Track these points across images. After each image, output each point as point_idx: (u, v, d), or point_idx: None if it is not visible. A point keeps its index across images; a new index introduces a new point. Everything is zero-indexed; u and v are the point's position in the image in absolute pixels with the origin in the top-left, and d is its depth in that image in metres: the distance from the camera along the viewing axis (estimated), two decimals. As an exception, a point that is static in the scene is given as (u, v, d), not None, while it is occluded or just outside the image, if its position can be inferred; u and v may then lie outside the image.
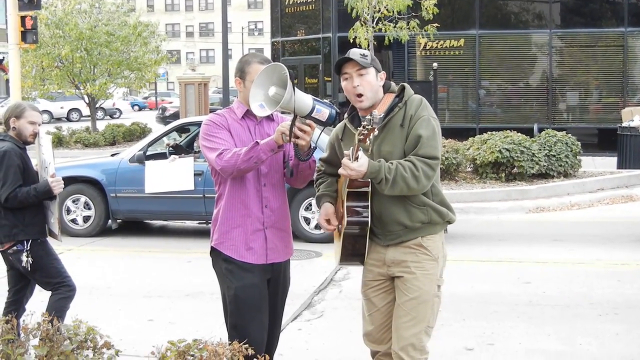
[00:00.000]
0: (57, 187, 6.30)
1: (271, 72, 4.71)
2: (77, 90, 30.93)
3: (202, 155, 5.13)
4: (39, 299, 6.79)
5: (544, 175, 17.36)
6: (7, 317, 4.40)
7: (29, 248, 6.48)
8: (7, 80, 27.97)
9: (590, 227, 13.58)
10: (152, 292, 9.54)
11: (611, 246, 11.83)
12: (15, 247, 6.50)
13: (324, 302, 9.01)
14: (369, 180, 4.72)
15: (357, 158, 4.57)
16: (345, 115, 5.09)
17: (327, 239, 11.69)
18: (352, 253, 4.98)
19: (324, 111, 4.74)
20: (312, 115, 4.70)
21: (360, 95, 4.86)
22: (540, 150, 17.38)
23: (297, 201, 12.21)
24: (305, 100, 4.68)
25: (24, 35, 22.25)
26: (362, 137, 4.44)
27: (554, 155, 17.43)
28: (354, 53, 4.87)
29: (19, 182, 6.41)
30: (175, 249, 12.20)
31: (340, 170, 4.68)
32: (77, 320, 4.37)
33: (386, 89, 4.98)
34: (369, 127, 4.37)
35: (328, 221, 5.05)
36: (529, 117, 25.00)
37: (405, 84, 5.00)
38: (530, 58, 26.58)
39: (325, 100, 4.85)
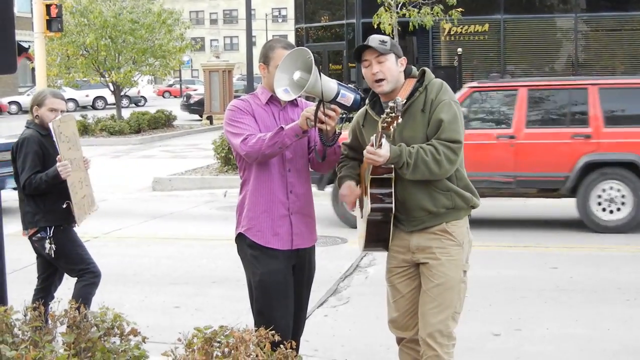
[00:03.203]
0: (64, 171, 6.27)
1: (295, 56, 4.69)
2: (102, 79, 31.05)
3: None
4: (67, 286, 6.82)
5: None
6: (34, 304, 4.42)
7: (51, 235, 6.50)
8: (33, 69, 28.09)
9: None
10: (178, 279, 9.57)
11: (638, 230, 11.74)
12: (38, 234, 6.53)
13: (350, 288, 9.01)
14: (392, 166, 4.70)
15: (380, 145, 4.55)
16: (367, 101, 5.07)
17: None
18: (377, 239, 4.96)
19: (348, 96, 4.72)
20: (337, 100, 4.69)
21: (379, 81, 4.83)
22: (566, 135, 17.24)
23: None
24: (330, 84, 4.66)
25: (49, 24, 22.33)
26: (385, 124, 4.42)
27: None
28: (372, 40, 4.84)
29: (36, 168, 6.42)
30: (201, 235, 12.23)
31: (365, 158, 4.66)
32: (104, 307, 4.38)
33: (407, 74, 4.94)
34: (393, 114, 4.35)
35: (350, 189, 5.03)
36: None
37: (426, 69, 4.97)
38: (555, 42, 26.46)
39: (349, 85, 4.83)
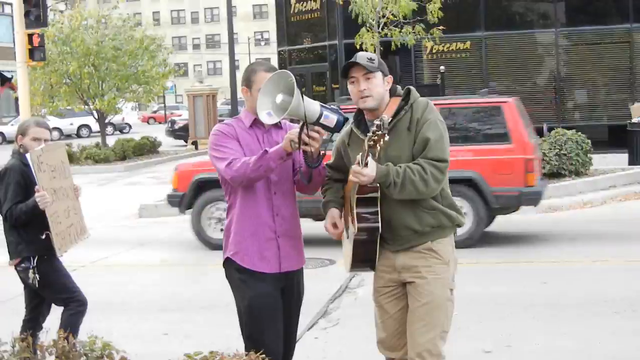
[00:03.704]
0: (42, 202, 6.25)
1: (277, 79, 4.70)
2: (86, 106, 31.00)
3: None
4: (55, 316, 6.78)
5: (555, 175, 17.27)
6: (22, 335, 4.39)
7: (35, 265, 6.49)
8: (17, 98, 28.03)
9: (604, 224, 13.55)
10: (166, 306, 9.54)
11: (626, 243, 11.80)
12: (22, 264, 6.52)
13: (340, 309, 8.99)
14: (378, 185, 4.71)
15: (366, 164, 4.55)
16: (351, 120, 5.07)
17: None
18: (363, 259, 4.96)
19: (331, 117, 4.73)
20: (320, 121, 4.70)
21: (365, 97, 4.84)
22: (550, 149, 17.32)
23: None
24: (313, 106, 4.67)
25: (31, 53, 22.29)
26: (372, 142, 4.42)
27: (565, 154, 17.36)
28: (360, 57, 4.86)
29: (17, 198, 6.41)
30: (188, 261, 12.19)
31: (351, 177, 4.66)
32: (93, 336, 4.35)
33: (392, 93, 4.97)
34: (379, 132, 4.35)
35: (334, 225, 5.03)
36: (538, 117, 24.85)
37: (411, 87, 4.99)
38: (537, 58, 26.54)
39: (332, 107, 4.84)
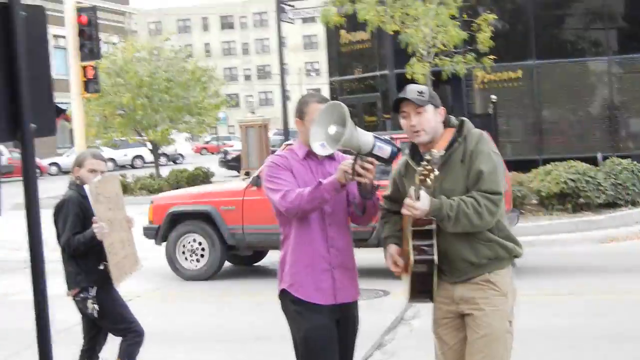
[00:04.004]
0: (100, 232, 6.33)
1: (330, 110, 4.72)
2: (139, 137, 31.28)
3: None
4: (113, 345, 6.84)
5: (611, 205, 17.04)
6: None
7: (94, 295, 6.56)
8: (71, 130, 28.38)
9: (661, 255, 13.35)
10: (222, 336, 9.56)
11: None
12: (81, 294, 6.59)
13: (395, 341, 8.94)
14: (433, 218, 4.69)
15: (418, 197, 4.54)
16: (407, 151, 5.07)
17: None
18: (421, 290, 4.93)
19: (385, 148, 4.73)
20: (374, 152, 4.70)
21: (417, 132, 4.84)
22: (605, 179, 17.10)
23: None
24: (365, 137, 4.68)
25: (86, 85, 22.58)
26: (422, 177, 4.42)
27: (620, 184, 17.15)
28: (410, 91, 4.85)
29: (75, 229, 6.50)
30: (244, 291, 12.22)
31: (403, 210, 4.65)
32: (149, 366, 4.39)
33: (446, 123, 4.95)
34: (429, 167, 4.35)
35: (395, 264, 5.02)
36: (592, 146, 24.64)
37: (464, 119, 4.97)
38: (589, 86, 26.33)
39: (385, 137, 4.84)
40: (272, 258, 14.08)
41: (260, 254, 14.46)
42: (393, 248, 5.04)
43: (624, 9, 26.63)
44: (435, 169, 4.37)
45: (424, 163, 4.38)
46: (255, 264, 14.53)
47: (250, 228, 12.92)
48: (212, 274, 13.17)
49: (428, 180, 4.41)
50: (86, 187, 6.39)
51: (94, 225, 6.33)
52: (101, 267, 6.48)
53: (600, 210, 16.81)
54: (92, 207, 6.34)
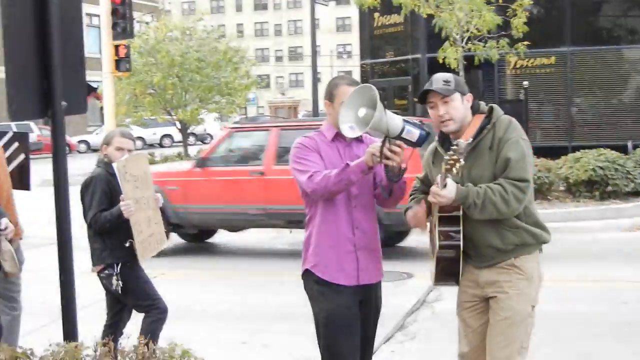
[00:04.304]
0: (127, 211, 6.37)
1: (360, 93, 4.71)
2: (169, 117, 31.39)
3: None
4: (136, 321, 6.89)
5: (639, 193, 16.95)
6: (104, 340, 4.48)
7: (119, 271, 6.61)
8: (101, 108, 28.54)
9: (690, 244, 13.26)
10: (245, 315, 9.61)
11: None
12: (106, 271, 6.65)
13: (417, 323, 8.96)
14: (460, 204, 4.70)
15: (445, 185, 4.55)
16: (436, 138, 5.07)
17: None
18: (447, 274, 4.96)
19: (413, 132, 4.73)
20: (402, 135, 4.69)
21: (446, 121, 4.83)
22: (635, 167, 17.00)
23: None
24: (395, 120, 4.67)
25: (117, 64, 22.72)
26: (448, 166, 4.43)
27: (650, 173, 17.03)
28: (436, 81, 4.85)
29: (102, 206, 6.55)
30: (267, 271, 12.27)
31: (430, 198, 4.67)
32: (172, 343, 4.42)
33: (475, 110, 4.94)
34: (455, 156, 4.36)
35: (415, 214, 5.05)
36: (623, 134, 24.48)
37: (494, 105, 4.96)
38: (623, 74, 26.11)
39: (414, 121, 4.84)
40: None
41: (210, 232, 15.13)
42: (414, 207, 5.07)
43: (662, -4, 26.35)
44: (461, 159, 4.37)
45: (450, 152, 4.39)
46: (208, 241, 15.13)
47: (193, 207, 13.36)
48: None
49: (454, 169, 4.43)
50: (114, 165, 6.43)
51: (121, 204, 6.38)
52: (127, 245, 6.53)
53: (628, 199, 16.71)
54: (120, 185, 6.38)
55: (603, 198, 16.69)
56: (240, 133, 14.14)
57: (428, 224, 5.06)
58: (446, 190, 4.58)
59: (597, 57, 25.74)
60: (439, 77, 4.88)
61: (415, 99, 27.30)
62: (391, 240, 13.42)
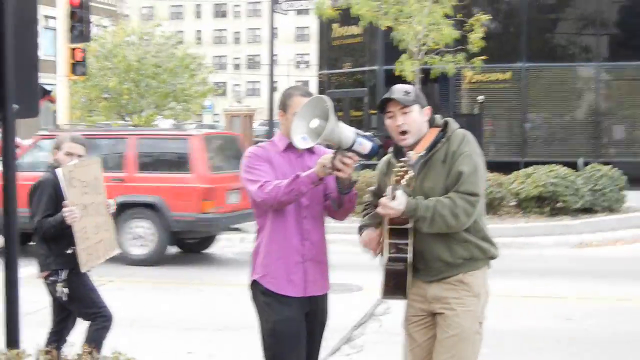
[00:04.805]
0: (70, 217, 6.29)
1: (313, 104, 4.70)
2: (123, 122, 31.22)
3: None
4: (80, 329, 6.81)
5: (588, 210, 17.10)
6: (47, 348, 4.42)
7: (64, 278, 6.53)
8: (55, 112, 28.30)
9: (636, 263, 13.41)
10: (192, 325, 9.54)
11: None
12: (51, 277, 6.58)
13: (364, 336, 8.96)
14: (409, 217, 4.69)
15: (394, 197, 4.55)
16: (390, 150, 5.07)
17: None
18: (395, 288, 4.94)
19: (365, 144, 4.72)
20: (354, 148, 4.69)
21: (404, 133, 4.83)
22: (585, 184, 17.15)
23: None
24: (347, 132, 4.67)
25: (73, 67, 22.52)
26: (398, 177, 4.44)
27: (599, 190, 17.19)
28: (397, 91, 4.85)
29: (47, 212, 6.48)
30: (216, 281, 12.21)
31: (378, 209, 4.66)
32: (116, 352, 4.37)
33: (431, 123, 4.95)
34: (404, 168, 4.37)
35: (368, 237, 5.03)
36: (575, 151, 24.72)
37: (449, 119, 4.97)
38: (577, 91, 26.43)
39: (367, 133, 4.83)
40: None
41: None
42: (369, 230, 5.05)
43: (616, 16, 26.73)
44: (410, 170, 4.37)
45: (400, 164, 4.40)
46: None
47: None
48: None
49: (403, 180, 4.43)
50: (58, 170, 6.35)
51: (64, 210, 6.29)
52: (69, 252, 6.44)
53: (577, 215, 16.86)
54: (64, 191, 6.30)
55: (553, 214, 16.83)
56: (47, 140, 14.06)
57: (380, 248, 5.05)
58: (395, 202, 4.57)
59: (552, 74, 26.02)
60: (400, 88, 4.89)
61: (372, 111, 27.46)
62: (198, 246, 14.63)
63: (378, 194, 5.18)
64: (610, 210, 17.38)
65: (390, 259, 4.79)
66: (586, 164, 19.19)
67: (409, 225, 4.75)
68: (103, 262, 6.81)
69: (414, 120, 4.83)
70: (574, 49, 27.07)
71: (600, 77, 25.82)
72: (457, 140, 4.82)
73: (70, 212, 6.26)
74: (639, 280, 11.92)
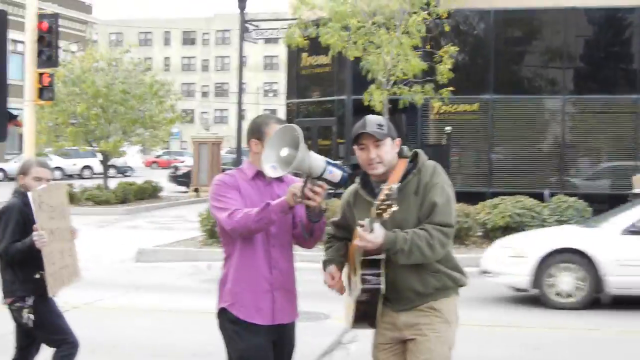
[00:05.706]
0: (40, 241, 6.23)
1: (283, 133, 4.70)
2: (90, 147, 31.05)
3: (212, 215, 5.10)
4: (44, 356, 6.73)
5: (555, 241, 17.18)
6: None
7: (30, 304, 6.46)
8: (21, 136, 28.12)
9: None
10: (158, 352, 9.47)
11: (623, 313, 11.71)
12: (17, 304, 6.50)
13: (332, 364, 8.92)
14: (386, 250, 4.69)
15: (372, 229, 4.55)
16: (357, 180, 5.07)
17: None
18: (365, 317, 4.94)
19: (335, 172, 4.72)
20: (324, 176, 4.69)
21: (375, 165, 4.84)
22: (551, 215, 17.29)
23: None
24: (317, 161, 4.67)
25: (40, 92, 22.33)
26: (380, 211, 4.42)
27: (565, 221, 17.29)
28: (370, 124, 4.85)
29: (14, 237, 6.41)
30: (183, 308, 12.13)
31: (356, 242, 4.66)
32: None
33: (399, 154, 4.97)
34: (388, 202, 4.36)
35: (332, 277, 5.00)
36: (540, 182, 24.89)
37: (419, 150, 4.99)
38: (543, 123, 26.60)
39: (336, 162, 4.84)
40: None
41: None
42: (333, 267, 5.04)
43: (582, 50, 26.97)
44: (394, 204, 4.37)
45: (383, 197, 4.38)
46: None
47: None
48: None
49: (385, 215, 4.42)
50: (30, 194, 6.30)
51: (34, 234, 6.24)
52: (37, 276, 6.38)
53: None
54: (34, 215, 6.25)
55: (520, 244, 16.85)
56: None
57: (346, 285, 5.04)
58: (373, 235, 4.57)
59: (519, 105, 26.18)
60: (373, 120, 4.89)
61: (340, 140, 27.49)
62: None
63: (341, 225, 5.18)
64: (577, 241, 17.44)
65: (362, 290, 4.78)
66: (552, 195, 19.32)
67: (382, 256, 4.75)
68: (66, 288, 6.75)
69: (387, 153, 4.85)
70: (540, 81, 27.25)
71: (566, 110, 26.01)
72: (428, 172, 4.85)
73: (40, 236, 6.21)
74: (606, 310, 11.96)
